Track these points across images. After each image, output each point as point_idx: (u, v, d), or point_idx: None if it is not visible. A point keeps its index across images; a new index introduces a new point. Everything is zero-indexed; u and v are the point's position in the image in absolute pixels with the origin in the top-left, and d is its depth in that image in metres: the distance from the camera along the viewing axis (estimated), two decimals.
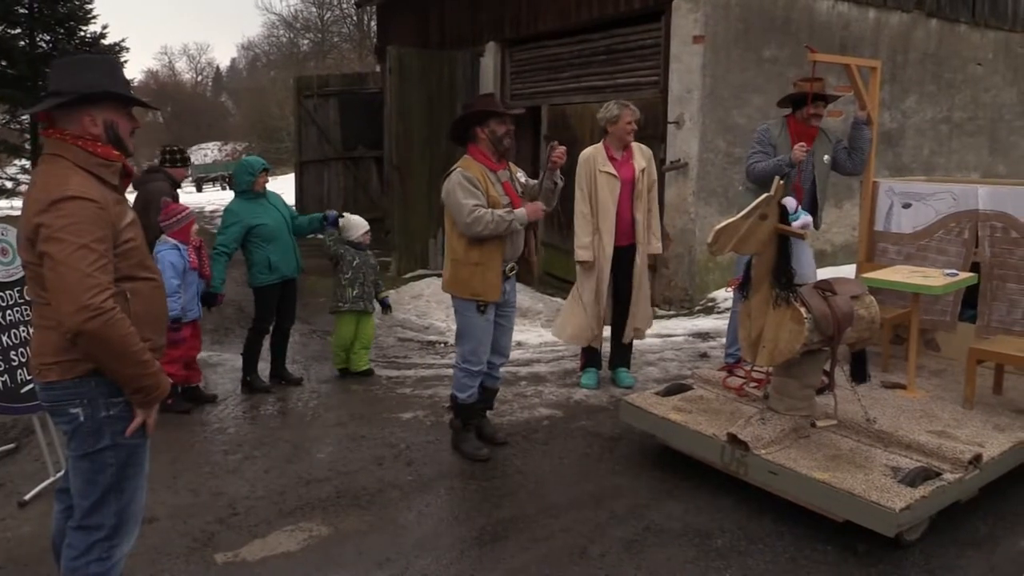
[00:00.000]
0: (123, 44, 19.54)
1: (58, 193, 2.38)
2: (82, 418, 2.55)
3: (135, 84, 25.81)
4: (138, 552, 3.56)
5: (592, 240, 5.56)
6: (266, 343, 6.04)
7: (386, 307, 6.48)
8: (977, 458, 3.68)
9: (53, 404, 2.58)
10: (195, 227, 5.50)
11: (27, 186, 2.54)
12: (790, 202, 4.84)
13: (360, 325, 6.25)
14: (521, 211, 4.43)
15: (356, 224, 6.30)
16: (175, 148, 6.41)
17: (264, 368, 6.08)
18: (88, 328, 2.34)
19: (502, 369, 4.93)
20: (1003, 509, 3.88)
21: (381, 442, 4.91)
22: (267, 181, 5.89)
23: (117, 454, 2.60)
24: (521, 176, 4.73)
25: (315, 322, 8.01)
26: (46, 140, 2.53)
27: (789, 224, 3.78)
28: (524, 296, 8.02)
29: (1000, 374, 4.64)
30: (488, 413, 4.96)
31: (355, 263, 6.17)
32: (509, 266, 4.55)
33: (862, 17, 9.54)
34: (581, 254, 5.57)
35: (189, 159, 6.60)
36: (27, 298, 4.36)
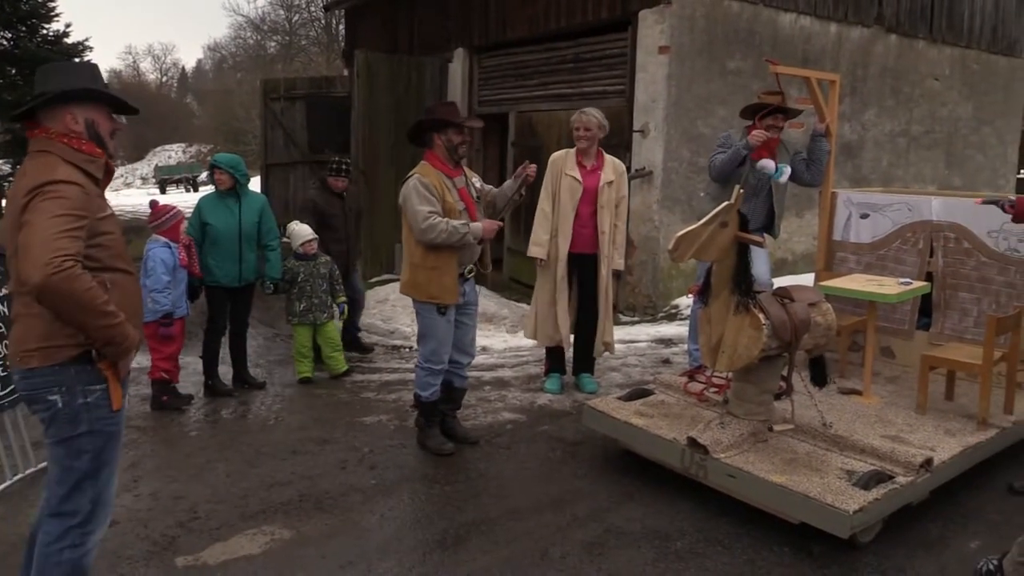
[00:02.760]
0: (86, 43, 19.26)
1: (47, 177, 2.52)
2: (60, 404, 2.62)
3: None
4: (98, 556, 3.52)
5: (548, 239, 5.64)
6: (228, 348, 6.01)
7: (341, 313, 6.46)
8: (928, 462, 3.78)
9: (32, 392, 2.65)
10: (184, 226, 5.54)
11: (13, 180, 2.75)
12: (768, 163, 5.06)
13: (320, 332, 6.25)
14: (477, 225, 4.52)
15: (299, 233, 6.23)
16: (336, 159, 6.76)
17: (228, 372, 6.04)
18: (50, 284, 2.39)
19: (468, 370, 4.99)
20: (953, 511, 3.99)
21: (344, 446, 4.90)
22: (225, 181, 5.71)
23: (93, 441, 2.67)
24: (477, 182, 4.81)
25: (279, 326, 7.96)
26: (32, 139, 2.67)
27: (749, 232, 3.86)
28: (489, 301, 8.05)
29: (952, 381, 4.76)
30: (456, 414, 5.00)
31: (299, 278, 6.13)
32: (468, 268, 4.66)
33: (824, 31, 9.73)
34: (534, 250, 5.67)
35: (346, 169, 6.68)
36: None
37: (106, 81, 2.87)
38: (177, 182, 39.80)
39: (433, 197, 4.43)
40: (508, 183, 4.89)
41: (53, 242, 2.42)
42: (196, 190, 36.86)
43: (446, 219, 4.42)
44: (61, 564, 2.69)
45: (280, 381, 6.28)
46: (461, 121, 4.60)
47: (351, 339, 6.98)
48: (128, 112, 2.90)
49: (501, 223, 4.67)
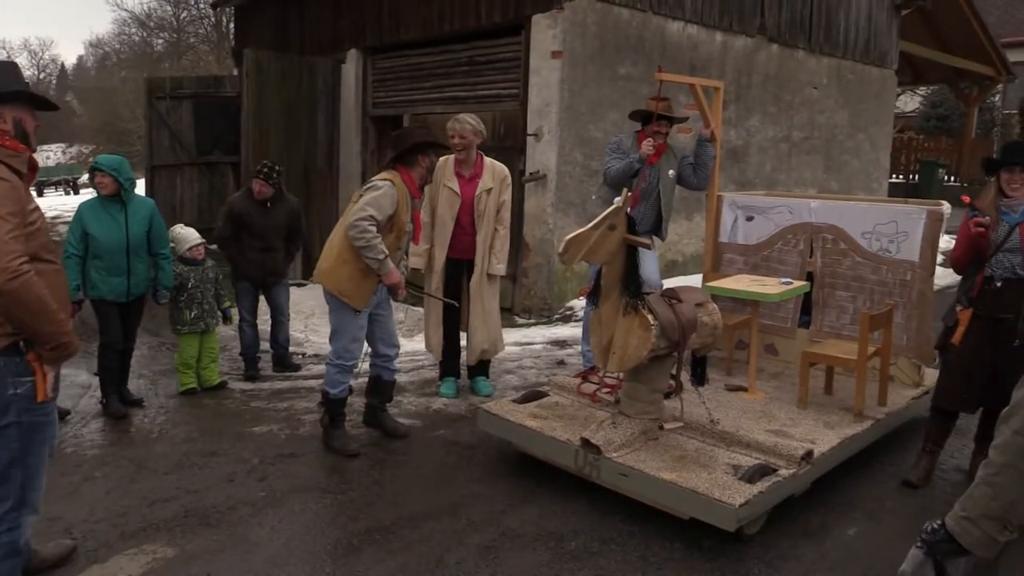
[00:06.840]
0: None
1: None
2: None
3: None
4: None
5: (425, 249, 5.63)
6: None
7: (227, 318, 6.21)
8: (809, 454, 3.94)
9: None
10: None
11: None
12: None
13: (204, 341, 6.00)
14: (390, 267, 4.58)
15: (185, 237, 5.91)
16: (267, 163, 6.38)
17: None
18: (8, 288, 2.57)
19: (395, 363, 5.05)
20: (833, 500, 4.16)
21: (233, 458, 4.74)
22: (107, 185, 5.23)
23: (20, 430, 2.83)
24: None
25: (164, 335, 7.63)
26: None
27: (637, 234, 3.93)
28: None
29: (831, 376, 4.97)
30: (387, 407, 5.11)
31: (190, 284, 5.86)
32: None
33: (710, 39, 10.04)
34: (413, 261, 5.63)
35: (276, 176, 6.26)
36: None
37: None
38: (56, 184, 37.76)
39: (389, 211, 4.55)
40: None
41: (4, 245, 2.58)
42: (77, 192, 35.04)
43: (381, 243, 4.50)
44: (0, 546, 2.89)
45: (165, 392, 6.01)
46: (442, 143, 4.86)
47: (279, 357, 6.71)
48: (49, 109, 3.08)
49: (404, 289, 4.76)
